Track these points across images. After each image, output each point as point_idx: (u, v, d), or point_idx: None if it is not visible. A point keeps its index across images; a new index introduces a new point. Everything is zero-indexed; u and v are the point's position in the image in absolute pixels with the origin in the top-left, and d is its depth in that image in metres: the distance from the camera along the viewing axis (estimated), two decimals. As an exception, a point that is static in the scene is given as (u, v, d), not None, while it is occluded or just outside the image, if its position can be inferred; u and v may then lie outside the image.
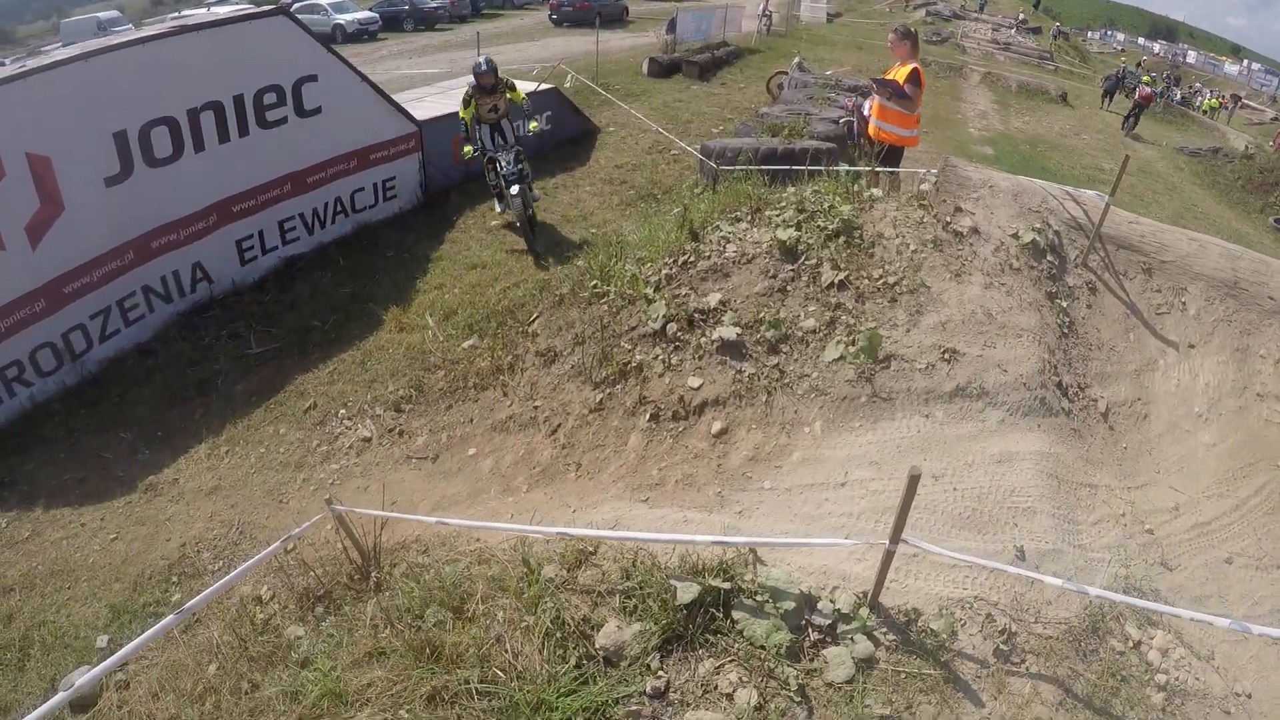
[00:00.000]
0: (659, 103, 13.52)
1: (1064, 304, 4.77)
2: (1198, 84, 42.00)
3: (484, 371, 5.68)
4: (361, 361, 6.34)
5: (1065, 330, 4.68)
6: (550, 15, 30.22)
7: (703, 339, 4.72)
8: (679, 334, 4.82)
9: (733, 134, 10.73)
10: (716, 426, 4.42)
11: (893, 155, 6.67)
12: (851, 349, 4.40)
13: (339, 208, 8.38)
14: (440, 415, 5.60)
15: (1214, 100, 34.90)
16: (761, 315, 4.68)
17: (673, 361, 4.74)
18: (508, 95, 8.05)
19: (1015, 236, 4.88)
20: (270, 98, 7.32)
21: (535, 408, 5.21)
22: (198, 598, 3.19)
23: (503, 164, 7.88)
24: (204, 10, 26.06)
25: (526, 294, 6.61)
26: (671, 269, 5.19)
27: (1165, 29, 76.29)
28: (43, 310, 6.16)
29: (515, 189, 7.72)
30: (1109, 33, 62.32)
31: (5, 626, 4.27)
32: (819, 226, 5.02)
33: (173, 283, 7.05)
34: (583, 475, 4.63)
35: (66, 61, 6.12)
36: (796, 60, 16.26)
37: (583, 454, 4.76)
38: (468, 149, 7.85)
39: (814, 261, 4.87)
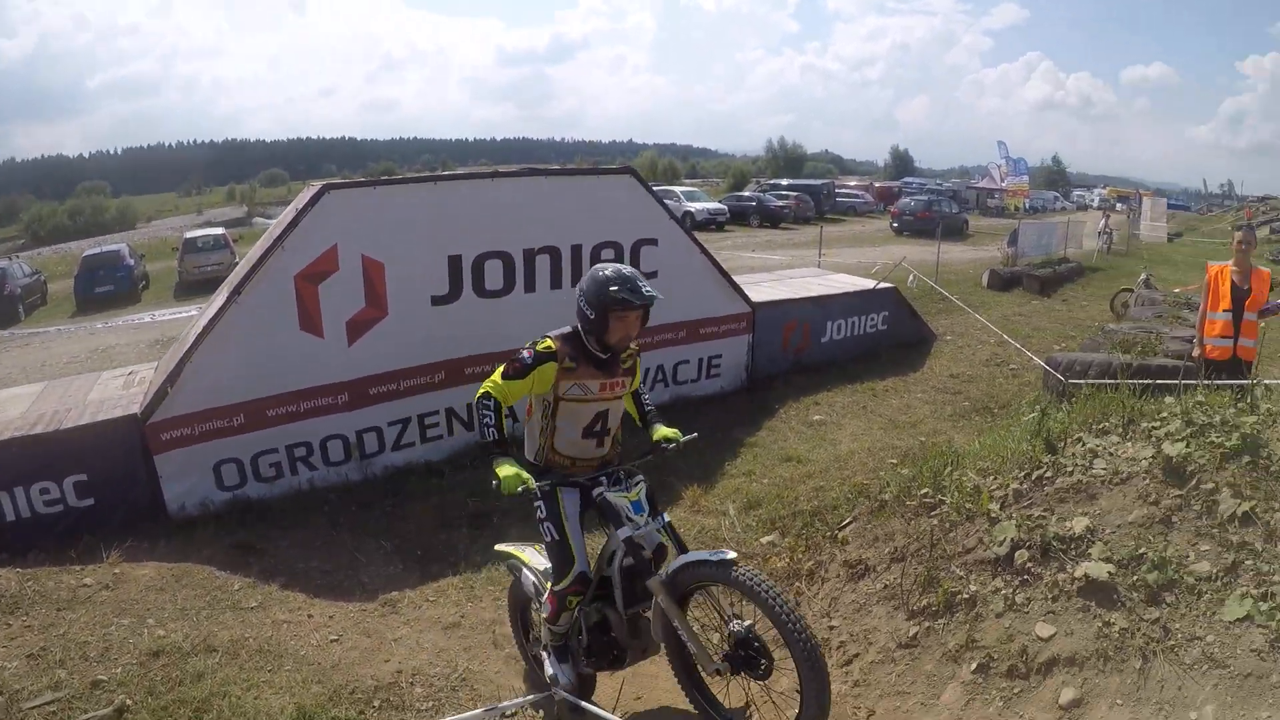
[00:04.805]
0: (998, 315, 13.11)
1: None
2: None
3: (779, 572, 5.04)
4: (646, 536, 6.02)
5: None
6: (891, 223, 31.67)
7: (1060, 575, 3.66)
8: (1029, 565, 3.82)
9: (1079, 349, 9.83)
10: (1067, 695, 3.26)
11: (1240, 370, 6.28)
12: (1262, 606, 3.11)
13: (659, 376, 8.30)
14: (721, 612, 5.03)
15: None
16: (1141, 552, 3.56)
17: (1017, 600, 3.72)
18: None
19: None
20: (608, 254, 7.41)
21: (830, 628, 4.40)
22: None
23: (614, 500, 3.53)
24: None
25: (841, 497, 5.92)
26: (1022, 484, 4.30)
27: None
28: (344, 404, 6.46)
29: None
30: None
31: (192, 683, 3.98)
32: (1212, 443, 3.87)
33: (477, 412, 7.34)
34: (873, 726, 3.67)
35: (413, 180, 6.75)
36: (1144, 276, 14.92)
37: (878, 699, 3.82)
38: (508, 471, 3.30)
39: (1208, 487, 3.69)
